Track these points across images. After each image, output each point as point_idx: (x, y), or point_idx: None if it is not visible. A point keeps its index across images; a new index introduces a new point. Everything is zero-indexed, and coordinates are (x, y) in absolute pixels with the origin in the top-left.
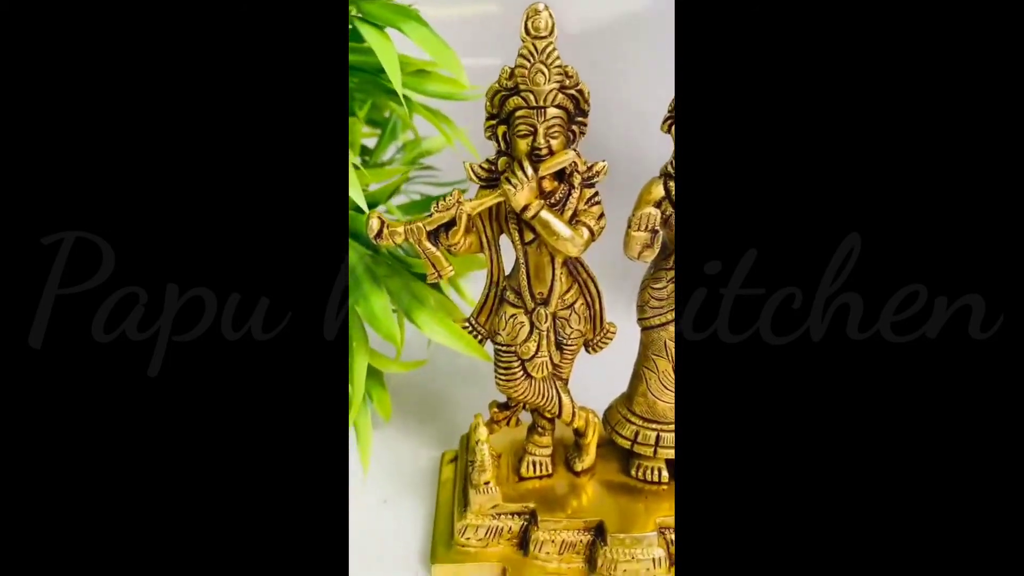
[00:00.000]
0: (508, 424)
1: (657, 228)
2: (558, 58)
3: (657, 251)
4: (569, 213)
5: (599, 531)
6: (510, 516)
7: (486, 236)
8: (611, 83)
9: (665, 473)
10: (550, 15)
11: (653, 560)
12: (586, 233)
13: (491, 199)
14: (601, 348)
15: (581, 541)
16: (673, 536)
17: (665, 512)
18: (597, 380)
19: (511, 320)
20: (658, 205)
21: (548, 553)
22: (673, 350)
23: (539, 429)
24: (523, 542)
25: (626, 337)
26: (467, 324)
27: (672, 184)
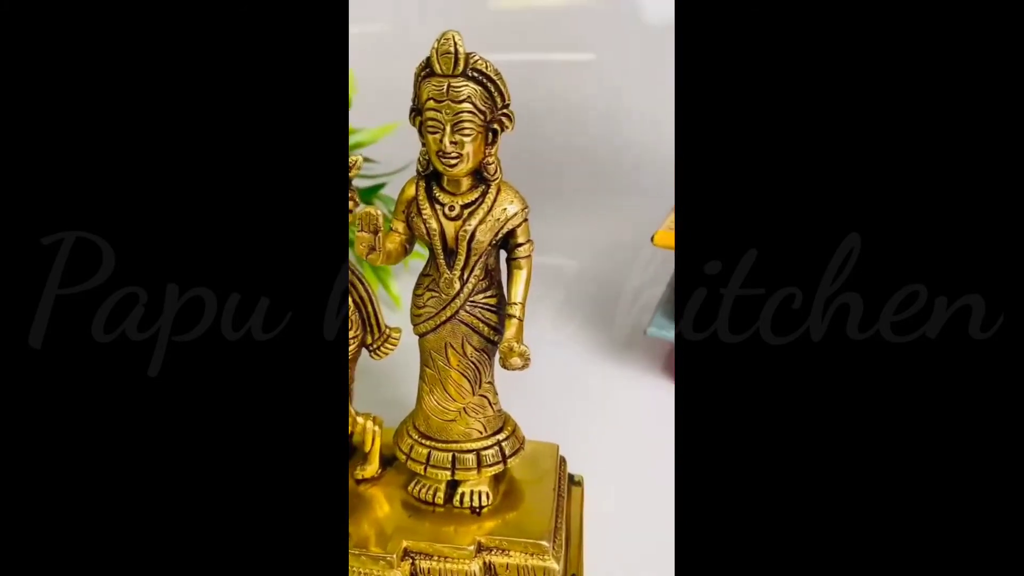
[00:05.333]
0: None
1: (379, 228)
2: None
3: (388, 257)
4: None
5: None
6: None
7: None
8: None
9: (441, 495)
10: None
11: None
12: None
13: None
14: (385, 354)
15: None
16: (420, 563)
17: (420, 535)
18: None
19: None
20: (408, 206)
21: None
22: (440, 363)
23: None
24: None
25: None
26: None
27: (422, 183)
